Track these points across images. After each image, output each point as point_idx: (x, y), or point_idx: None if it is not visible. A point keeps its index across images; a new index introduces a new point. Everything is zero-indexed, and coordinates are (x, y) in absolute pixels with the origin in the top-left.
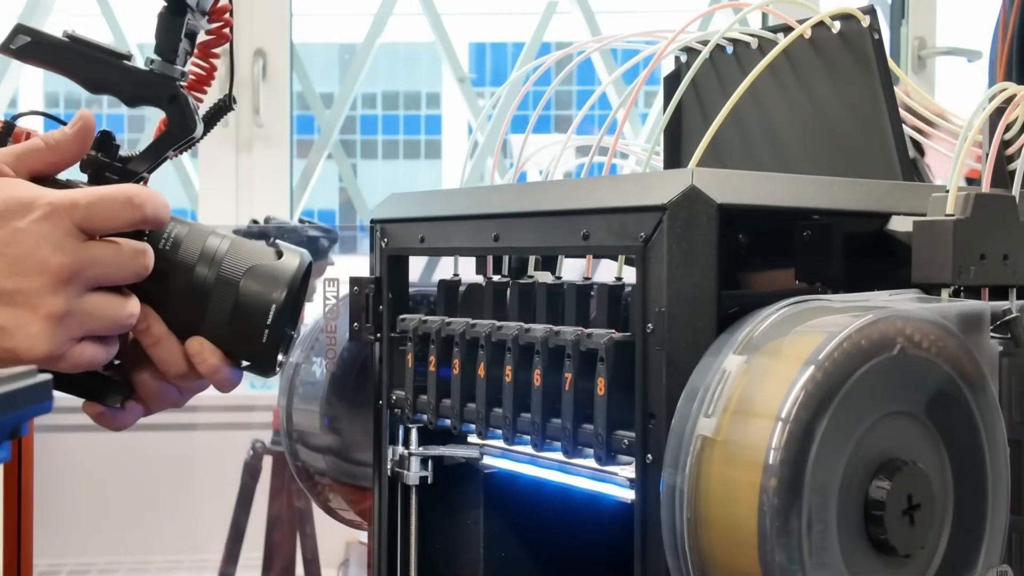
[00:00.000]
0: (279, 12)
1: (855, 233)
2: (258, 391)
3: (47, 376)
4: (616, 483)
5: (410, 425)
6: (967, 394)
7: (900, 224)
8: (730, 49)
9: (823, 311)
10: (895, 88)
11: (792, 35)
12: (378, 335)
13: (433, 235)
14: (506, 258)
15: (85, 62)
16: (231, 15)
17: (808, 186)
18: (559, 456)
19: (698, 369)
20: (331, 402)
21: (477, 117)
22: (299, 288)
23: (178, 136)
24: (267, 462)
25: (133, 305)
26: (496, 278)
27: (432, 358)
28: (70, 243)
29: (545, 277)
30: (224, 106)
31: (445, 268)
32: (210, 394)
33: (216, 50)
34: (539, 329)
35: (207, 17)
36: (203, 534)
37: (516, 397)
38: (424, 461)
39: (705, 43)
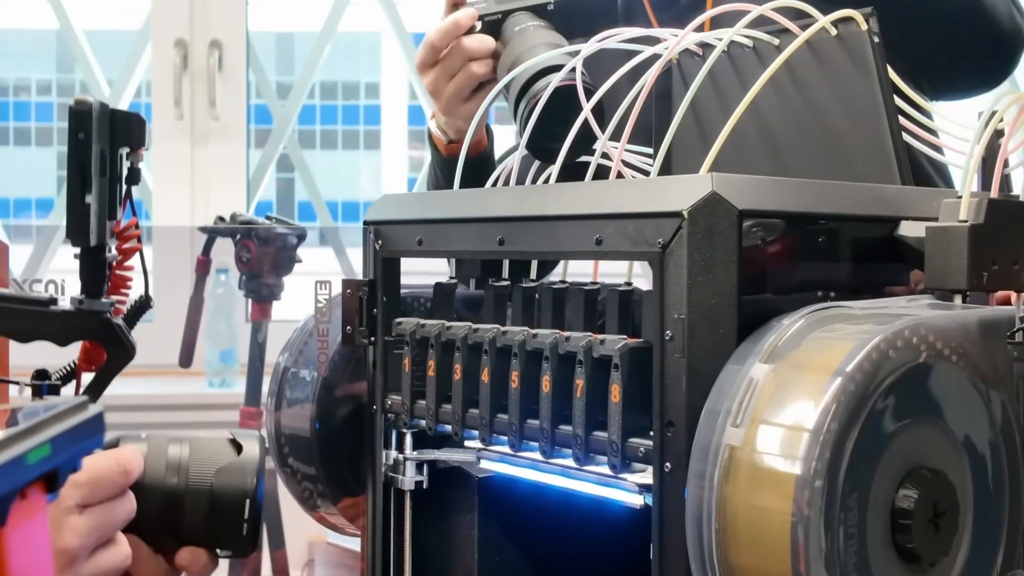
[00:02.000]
0: (235, 2)
1: (867, 238)
2: (216, 389)
3: (99, 408)
4: (624, 488)
5: (405, 430)
6: (986, 401)
7: (910, 229)
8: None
9: (846, 319)
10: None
11: (797, 41)
12: (372, 339)
13: (432, 237)
14: (505, 262)
15: (13, 316)
16: (137, 227)
17: (825, 191)
18: (564, 462)
19: (722, 377)
20: (322, 406)
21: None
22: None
23: (120, 363)
24: None
25: (126, 545)
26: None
27: (431, 362)
28: (73, 522)
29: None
30: (143, 305)
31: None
32: (168, 392)
33: (129, 263)
34: (546, 334)
35: (116, 242)
36: None
37: (523, 403)
38: (419, 466)
39: (701, 45)
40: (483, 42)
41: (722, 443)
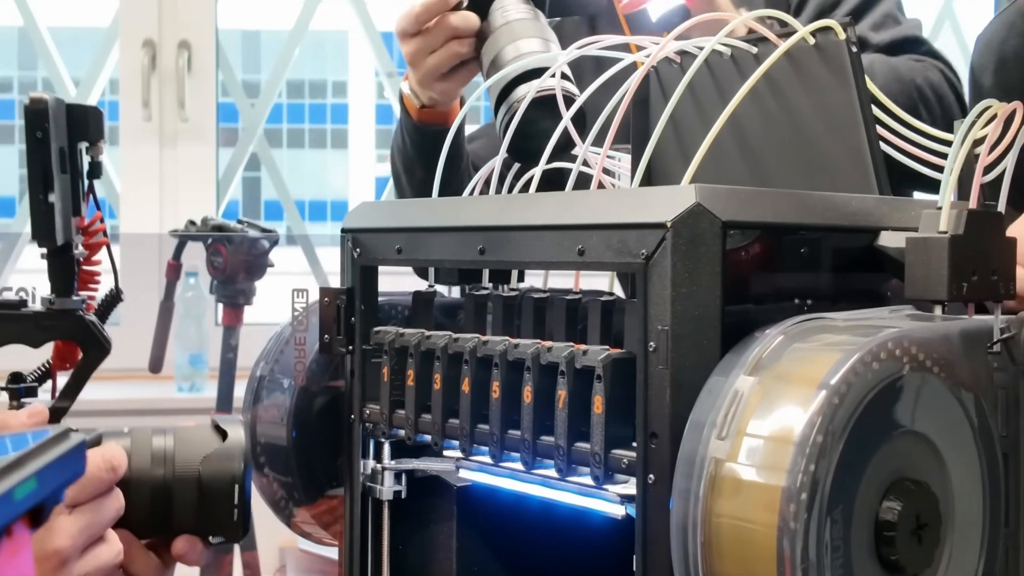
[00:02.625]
0: (204, 2)
1: (848, 248)
2: (186, 394)
3: (81, 437)
4: (605, 499)
5: (383, 439)
6: (966, 411)
7: (890, 239)
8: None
9: (829, 330)
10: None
11: (777, 52)
12: (350, 347)
13: (411, 246)
14: (485, 271)
15: None
16: (102, 222)
17: (807, 201)
18: (545, 472)
19: (707, 389)
20: (299, 415)
21: None
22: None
23: (97, 360)
24: None
25: (117, 542)
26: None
27: (411, 372)
28: (62, 523)
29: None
30: (114, 299)
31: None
32: (137, 396)
33: (96, 257)
34: (528, 344)
35: (82, 238)
36: None
37: (504, 414)
38: (398, 475)
39: (679, 52)
40: (468, 20)
41: (707, 455)
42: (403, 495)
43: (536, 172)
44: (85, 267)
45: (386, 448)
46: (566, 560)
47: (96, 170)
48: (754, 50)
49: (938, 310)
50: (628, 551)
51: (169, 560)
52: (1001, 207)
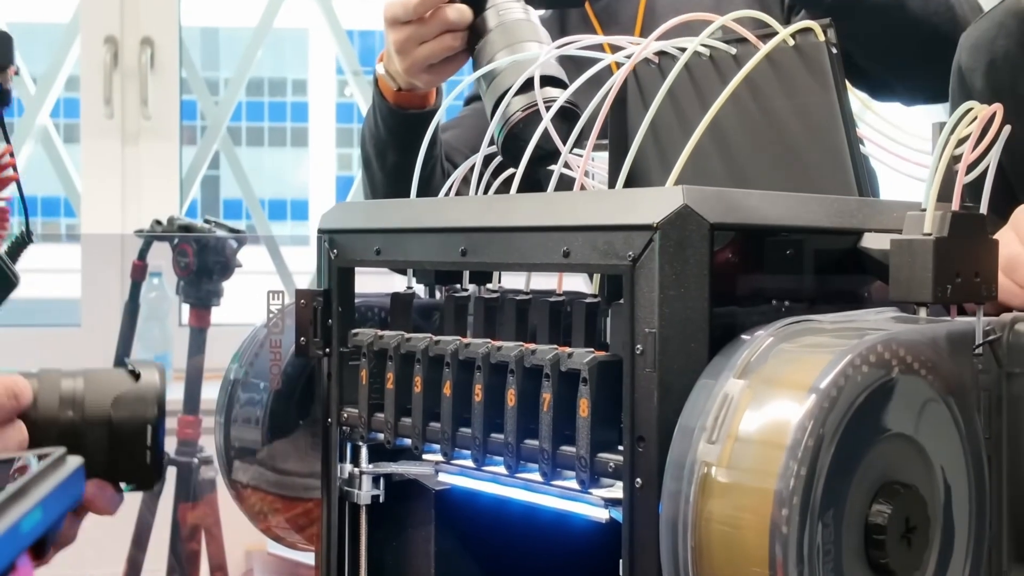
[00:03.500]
0: None
1: (832, 250)
2: None
3: (79, 461)
4: (589, 503)
5: (360, 443)
6: (952, 413)
7: (873, 241)
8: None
9: (817, 332)
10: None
11: (759, 54)
12: (327, 350)
13: (391, 247)
14: (466, 273)
15: None
16: (12, 155)
17: (794, 203)
18: (528, 476)
19: (695, 392)
20: (274, 418)
21: None
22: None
23: (3, 293)
24: (170, 472)
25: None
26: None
27: (390, 375)
28: None
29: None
30: (23, 241)
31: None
32: None
33: (4, 193)
34: (511, 347)
35: None
36: (105, 547)
37: (487, 417)
38: (376, 480)
39: (657, 53)
40: (462, 14)
41: (698, 459)
42: (381, 500)
43: (518, 171)
44: None
45: (363, 452)
46: (547, 564)
47: (5, 98)
48: (733, 51)
49: (922, 312)
50: (611, 555)
51: (79, 508)
52: (983, 208)
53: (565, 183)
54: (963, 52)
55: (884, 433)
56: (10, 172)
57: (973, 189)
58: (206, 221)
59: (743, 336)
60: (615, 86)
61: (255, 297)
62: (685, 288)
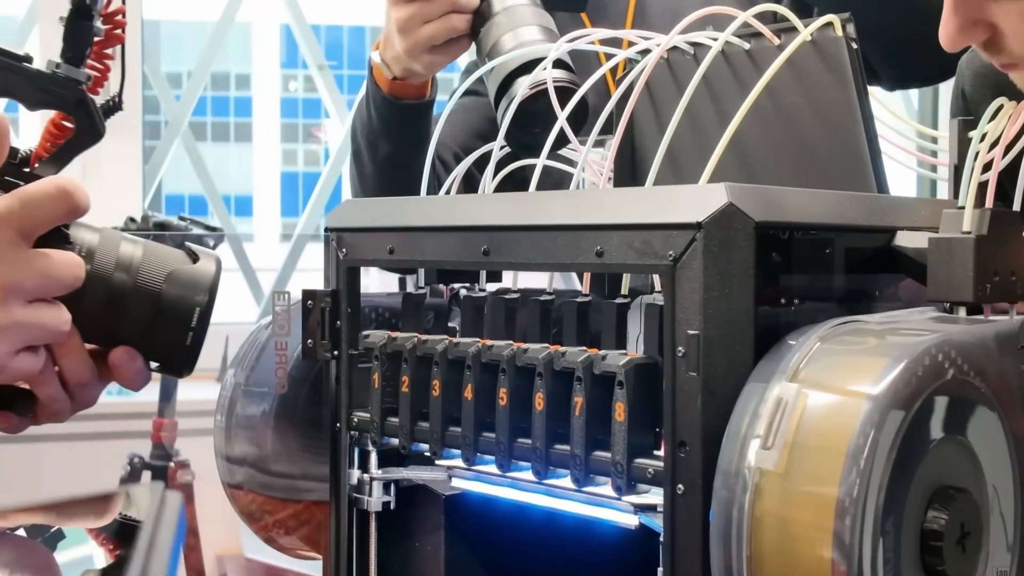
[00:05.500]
0: None
1: (868, 248)
2: (115, 397)
3: (179, 500)
4: (617, 509)
5: (370, 448)
6: (999, 414)
7: (908, 240)
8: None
9: (866, 334)
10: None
11: (785, 53)
12: (335, 353)
13: (405, 246)
14: (482, 273)
15: None
16: (124, 16)
17: (833, 201)
18: (557, 482)
19: (744, 396)
20: (280, 423)
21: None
22: (215, 290)
23: (87, 141)
24: (145, 476)
25: (66, 314)
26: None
27: (405, 378)
28: (10, 254)
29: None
30: (114, 106)
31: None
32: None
33: (109, 51)
34: (538, 349)
35: (101, 19)
36: None
37: (512, 422)
38: (386, 486)
39: (668, 49)
40: None
41: (752, 466)
42: (392, 506)
43: (538, 163)
44: (97, 51)
45: (373, 457)
46: (563, 570)
47: None
48: (746, 46)
49: (961, 312)
50: (638, 562)
51: (105, 372)
52: (1017, 206)
53: (553, 181)
54: (964, 79)
55: (938, 437)
56: (120, 33)
57: (983, 189)
58: (180, 218)
59: (789, 338)
60: (642, 78)
61: (226, 296)
62: (729, 288)
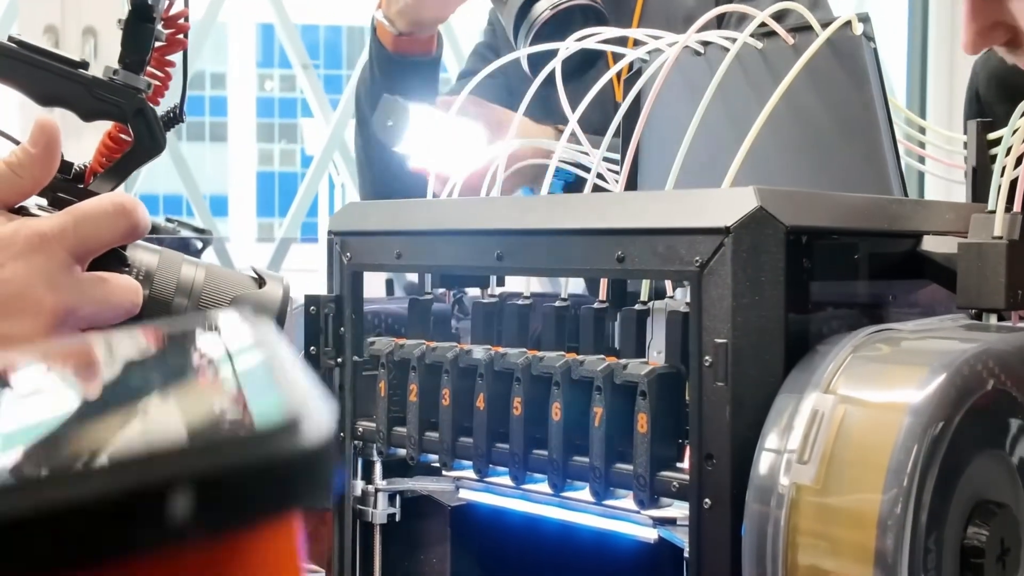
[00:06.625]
0: None
1: (895, 253)
2: None
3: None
4: (635, 522)
5: (375, 458)
6: None
7: (935, 244)
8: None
9: (900, 343)
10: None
11: (807, 54)
12: (339, 360)
13: (413, 251)
14: (493, 278)
15: (37, 72)
16: (187, 20)
17: (861, 206)
18: (574, 495)
19: (777, 407)
20: None
21: (332, 107)
22: (284, 318)
23: (146, 155)
24: None
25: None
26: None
27: (413, 387)
28: (64, 279)
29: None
30: (174, 118)
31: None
32: None
33: (170, 58)
34: (554, 357)
35: (163, 23)
36: None
37: (527, 432)
38: (391, 497)
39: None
40: None
41: (788, 480)
42: (397, 518)
43: (551, 164)
44: (158, 57)
45: (377, 468)
46: None
47: None
48: (759, 45)
49: (992, 319)
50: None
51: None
52: None
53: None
54: (979, 82)
55: (977, 450)
56: (182, 38)
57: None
58: (168, 220)
59: (820, 347)
60: (661, 75)
61: None
62: (760, 296)
